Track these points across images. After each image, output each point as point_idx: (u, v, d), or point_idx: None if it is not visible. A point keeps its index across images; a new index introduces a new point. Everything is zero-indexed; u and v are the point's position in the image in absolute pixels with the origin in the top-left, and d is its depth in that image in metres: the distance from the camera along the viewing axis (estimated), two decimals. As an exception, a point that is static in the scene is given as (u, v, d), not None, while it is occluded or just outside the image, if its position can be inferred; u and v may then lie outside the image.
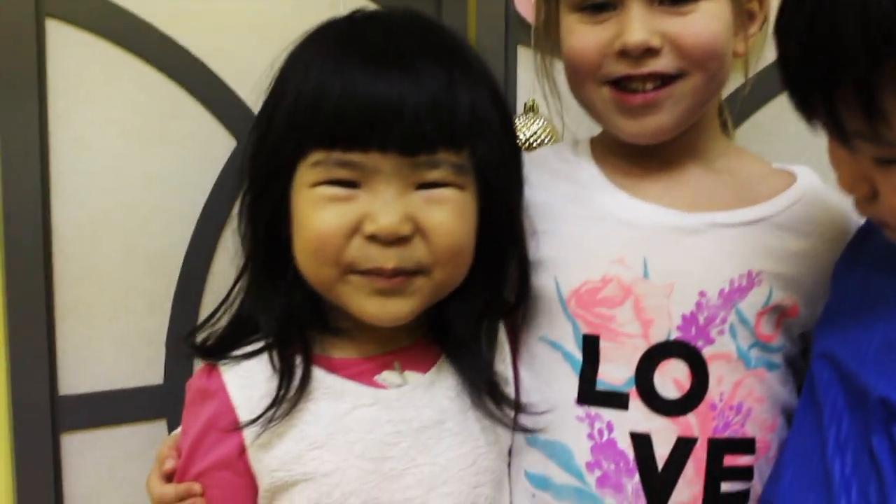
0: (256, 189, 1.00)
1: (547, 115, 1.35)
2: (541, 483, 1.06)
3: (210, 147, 1.28)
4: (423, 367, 1.04)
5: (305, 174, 0.95)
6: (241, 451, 0.97)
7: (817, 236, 1.07)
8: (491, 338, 1.06)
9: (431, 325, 1.04)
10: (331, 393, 0.99)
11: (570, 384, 1.05)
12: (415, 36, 0.98)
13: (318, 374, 0.99)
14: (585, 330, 1.04)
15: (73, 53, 1.19)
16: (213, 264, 1.30)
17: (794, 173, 1.11)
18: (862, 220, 1.03)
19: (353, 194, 0.94)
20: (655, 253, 1.04)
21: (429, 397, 1.02)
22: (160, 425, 1.29)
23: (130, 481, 1.28)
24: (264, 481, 0.97)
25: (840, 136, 0.83)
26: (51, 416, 1.21)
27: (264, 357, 0.99)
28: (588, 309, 1.04)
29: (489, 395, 1.03)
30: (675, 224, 1.05)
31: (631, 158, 1.09)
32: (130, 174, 1.24)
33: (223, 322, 1.05)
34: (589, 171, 1.11)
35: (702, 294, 1.03)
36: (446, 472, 1.01)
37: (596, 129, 1.15)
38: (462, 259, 0.99)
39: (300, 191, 0.96)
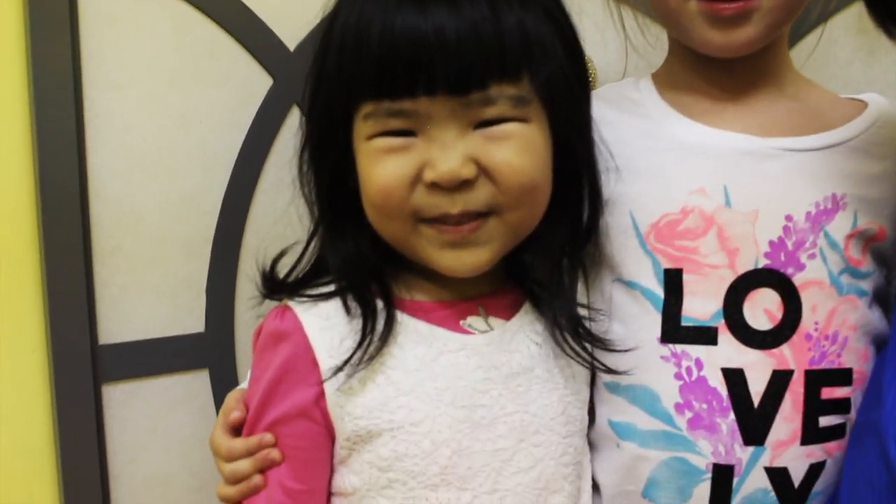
0: (316, 141, 0.99)
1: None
2: (625, 431, 1.04)
3: (247, 87, 1.26)
4: (507, 313, 1.02)
5: (361, 127, 0.94)
6: (320, 396, 0.94)
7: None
8: (573, 276, 1.04)
9: (510, 270, 1.02)
10: (416, 337, 0.97)
11: (652, 323, 1.03)
12: None
13: (402, 317, 0.97)
14: (666, 264, 1.03)
15: (103, -10, 1.16)
16: (252, 207, 1.29)
17: (863, 100, 1.09)
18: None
19: (410, 143, 0.92)
20: (736, 180, 1.02)
21: (516, 343, 1.00)
22: (202, 375, 1.29)
23: (173, 432, 1.28)
24: (345, 429, 0.95)
25: None
26: (91, 366, 1.19)
27: (339, 300, 0.97)
28: (668, 242, 1.03)
29: (573, 335, 1.01)
30: (753, 149, 1.03)
31: (699, 88, 1.08)
32: (166, 115, 1.22)
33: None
34: (657, 105, 1.09)
35: (788, 218, 1.01)
36: (537, 420, 0.99)
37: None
38: (537, 196, 0.96)
39: (359, 144, 0.95)
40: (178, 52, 1.21)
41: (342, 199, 0.99)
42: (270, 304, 1.26)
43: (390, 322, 0.95)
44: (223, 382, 1.28)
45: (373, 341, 0.93)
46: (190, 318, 1.26)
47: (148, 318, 1.24)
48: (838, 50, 1.18)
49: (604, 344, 1.02)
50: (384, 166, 0.92)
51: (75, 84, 1.15)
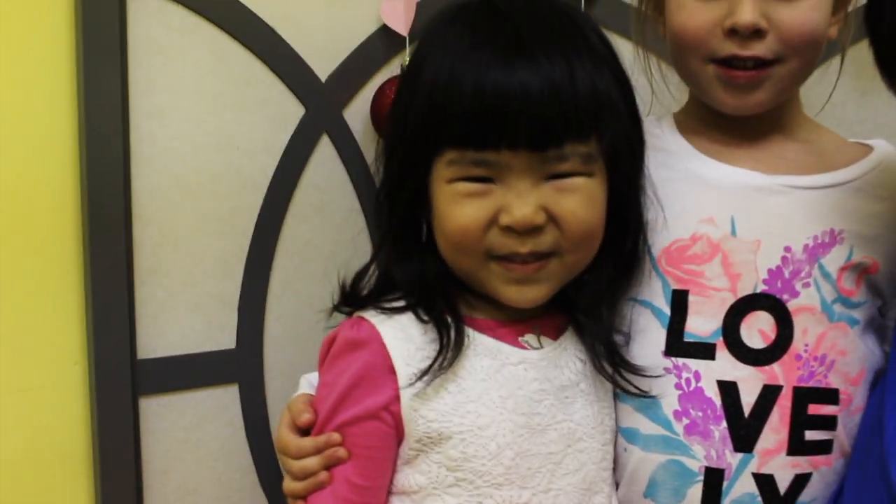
0: (395, 179, 1.07)
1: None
2: (630, 436, 1.13)
3: (281, 113, 1.34)
4: (554, 334, 1.11)
5: (442, 170, 1.03)
6: (393, 400, 1.02)
7: (895, 200, 1.14)
8: (612, 310, 1.13)
9: (555, 297, 1.10)
10: (482, 350, 1.06)
11: (658, 337, 1.12)
12: (541, 28, 1.02)
13: (469, 331, 1.06)
14: (675, 286, 1.12)
15: (152, 21, 1.25)
16: (284, 228, 1.36)
17: (869, 145, 1.19)
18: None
19: (489, 189, 1.01)
20: (742, 212, 1.11)
21: (564, 360, 1.10)
22: (232, 390, 1.36)
23: (203, 444, 1.35)
24: (417, 431, 1.02)
25: None
26: (131, 380, 1.25)
27: (412, 313, 1.06)
28: (677, 266, 1.12)
29: (609, 361, 1.10)
30: (760, 184, 1.12)
31: (717, 130, 1.17)
32: (205, 140, 1.30)
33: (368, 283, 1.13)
34: (676, 141, 1.18)
35: (787, 249, 1.10)
36: (581, 429, 1.09)
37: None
38: (593, 241, 1.06)
39: (438, 184, 1.04)
40: (218, 80, 1.29)
41: (413, 227, 1.08)
42: (298, 324, 1.35)
43: (461, 335, 1.05)
44: (252, 397, 1.35)
45: (448, 352, 1.03)
46: (222, 335, 1.33)
47: (183, 334, 1.31)
48: (834, 91, 1.27)
49: (634, 370, 1.11)
50: (464, 208, 1.01)
51: (123, 111, 1.22)
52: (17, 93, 1.18)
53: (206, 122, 1.28)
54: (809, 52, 1.10)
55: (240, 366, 1.34)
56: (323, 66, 1.35)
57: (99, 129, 1.20)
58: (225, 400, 1.34)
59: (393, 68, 1.38)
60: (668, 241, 1.13)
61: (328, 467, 1.04)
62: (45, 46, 1.19)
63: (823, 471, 1.10)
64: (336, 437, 1.03)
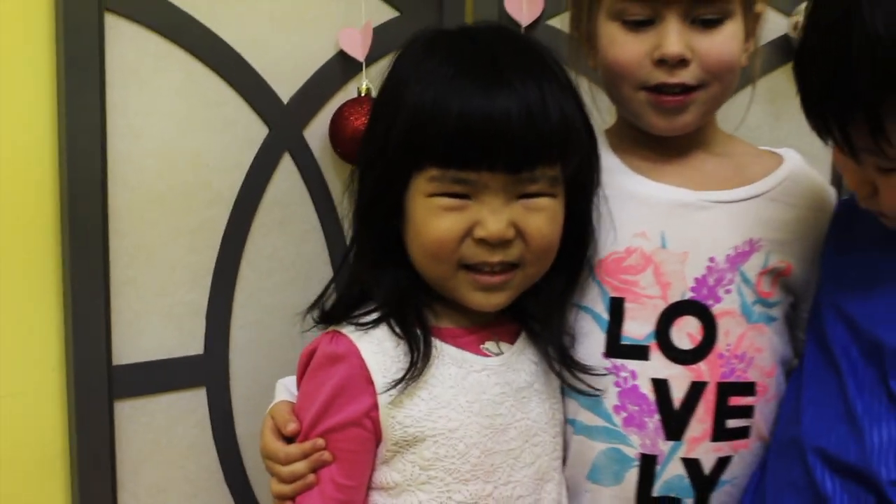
0: (372, 193, 1.17)
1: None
2: (576, 426, 1.26)
3: (246, 133, 1.44)
4: (510, 339, 1.23)
5: (422, 185, 1.12)
6: (372, 408, 1.12)
7: (804, 207, 1.29)
8: (562, 316, 1.25)
9: (510, 305, 1.21)
10: (449, 360, 1.16)
11: (599, 340, 1.25)
12: (514, 57, 1.14)
13: (437, 343, 1.17)
14: (612, 293, 1.25)
15: (128, 47, 1.34)
16: (248, 241, 1.46)
17: (780, 155, 1.33)
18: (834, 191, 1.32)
19: (465, 204, 1.12)
20: (671, 226, 1.24)
21: (520, 363, 1.22)
22: (200, 393, 1.45)
23: (174, 444, 1.44)
24: (394, 435, 1.13)
25: (851, 151, 1.05)
26: (107, 385, 1.34)
27: (385, 326, 1.15)
28: (614, 276, 1.25)
29: (561, 363, 1.23)
30: (687, 201, 1.25)
31: (646, 148, 1.29)
32: (177, 158, 1.39)
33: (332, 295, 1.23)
34: (609, 159, 1.29)
35: (711, 259, 1.24)
36: (536, 425, 1.21)
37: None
38: (551, 255, 1.18)
39: (417, 198, 1.13)
40: (189, 102, 1.39)
41: (387, 239, 1.18)
42: (262, 331, 1.43)
43: (430, 348, 1.15)
44: (218, 399, 1.45)
45: (419, 364, 1.13)
46: (191, 342, 1.43)
47: (155, 341, 1.40)
48: (749, 115, 1.39)
49: (583, 369, 1.23)
50: (442, 221, 1.11)
51: (101, 131, 1.30)
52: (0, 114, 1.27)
53: (178, 141, 1.37)
54: (728, 77, 1.23)
55: (207, 370, 1.44)
56: (285, 89, 1.45)
57: (78, 148, 1.29)
58: (193, 403, 1.43)
59: (350, 91, 1.48)
60: (606, 253, 1.25)
61: (314, 470, 1.14)
62: (27, 71, 1.27)
63: (742, 453, 1.24)
64: (321, 442, 1.13)
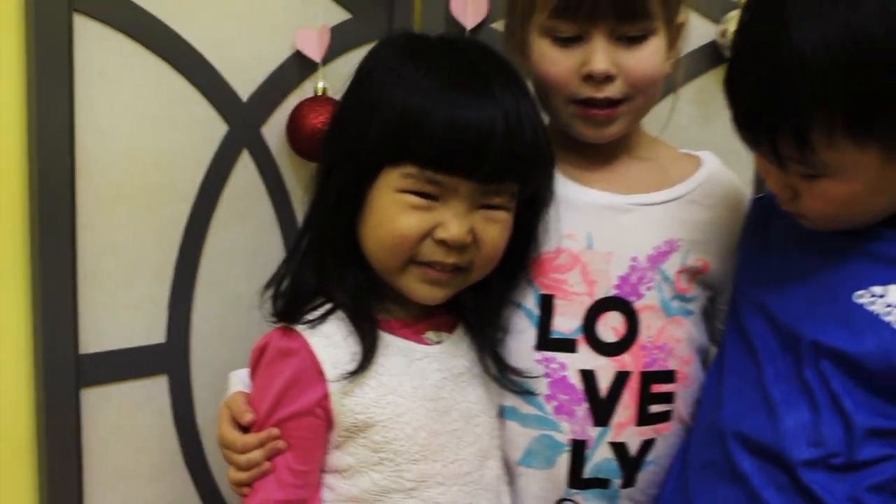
0: (342, 188, 1.22)
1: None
2: (511, 413, 1.35)
3: (207, 131, 1.49)
4: (448, 328, 1.32)
5: (394, 179, 1.18)
6: (323, 398, 1.20)
7: (720, 207, 1.40)
8: (497, 312, 1.33)
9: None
10: (395, 350, 1.25)
11: (530, 334, 1.34)
12: (494, 70, 1.21)
13: (383, 335, 1.25)
14: (543, 291, 1.34)
15: (96, 47, 1.38)
16: (209, 235, 1.51)
17: (699, 157, 1.43)
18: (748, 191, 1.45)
19: (432, 206, 1.19)
20: (598, 229, 1.34)
21: (458, 350, 1.31)
22: (161, 381, 1.51)
23: (138, 431, 1.49)
24: (346, 422, 1.21)
25: (778, 161, 1.15)
26: (75, 373, 1.39)
27: (335, 319, 1.23)
28: (545, 274, 1.34)
29: (493, 357, 1.32)
30: (612, 204, 1.35)
31: (576, 153, 1.38)
32: (142, 155, 1.44)
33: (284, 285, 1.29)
34: None
35: (634, 259, 1.34)
36: (476, 407, 1.30)
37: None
38: (495, 263, 1.26)
39: (384, 191, 1.19)
40: (153, 101, 1.43)
41: (345, 233, 1.24)
42: (222, 321, 1.49)
43: (376, 340, 1.23)
44: (179, 387, 1.51)
45: (368, 355, 1.21)
46: (154, 331, 1.48)
47: (120, 330, 1.45)
48: (680, 116, 1.48)
49: (518, 373, 1.31)
50: (408, 217, 1.18)
51: (70, 129, 1.35)
52: (-29, 112, 1.32)
53: (142, 138, 1.42)
54: (651, 90, 1.33)
55: (169, 359, 1.49)
56: (244, 87, 1.50)
57: (48, 146, 1.33)
58: (155, 390, 1.49)
59: (306, 90, 1.54)
60: (537, 253, 1.33)
61: (270, 458, 1.21)
62: (-3, 70, 1.32)
63: (665, 435, 1.35)
64: (276, 431, 1.20)
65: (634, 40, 1.28)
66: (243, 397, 1.26)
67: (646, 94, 1.32)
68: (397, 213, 1.18)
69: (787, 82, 1.09)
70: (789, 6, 1.09)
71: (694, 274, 1.36)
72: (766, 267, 1.30)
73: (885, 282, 1.17)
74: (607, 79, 1.27)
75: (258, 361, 1.24)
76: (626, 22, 1.26)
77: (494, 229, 1.22)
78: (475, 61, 1.21)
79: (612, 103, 1.29)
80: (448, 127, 1.14)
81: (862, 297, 1.17)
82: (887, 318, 1.15)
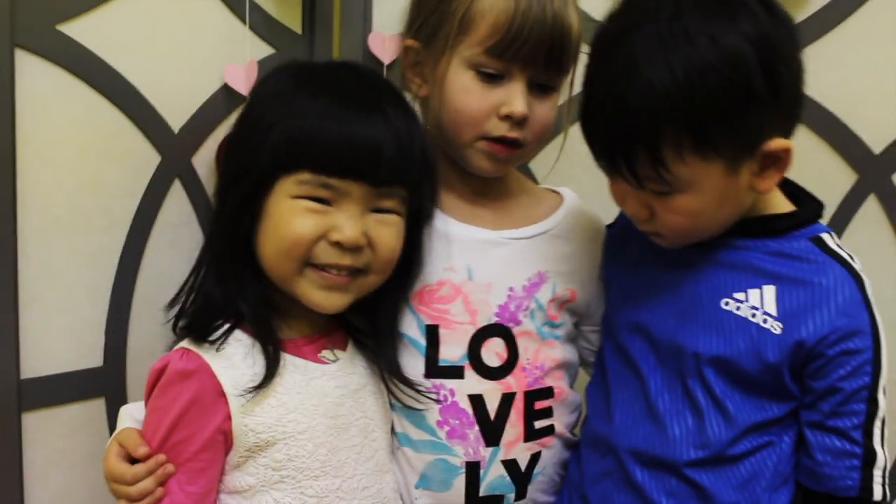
0: (239, 200, 1.26)
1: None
2: (403, 439, 1.42)
3: (141, 161, 1.57)
4: (342, 346, 1.38)
5: (289, 186, 1.24)
6: (225, 419, 1.22)
7: (582, 240, 1.50)
8: (390, 328, 1.39)
9: (338, 316, 1.36)
10: (293, 369, 1.29)
11: (418, 363, 1.41)
12: (380, 87, 1.31)
13: (283, 355, 1.28)
14: (427, 321, 1.41)
15: (36, 81, 1.44)
16: (143, 261, 1.58)
17: (560, 193, 1.55)
18: (605, 222, 1.54)
19: (326, 209, 1.24)
20: (476, 261, 1.42)
21: (353, 367, 1.38)
22: (99, 403, 1.56)
23: (76, 452, 1.55)
24: (247, 442, 1.23)
25: (636, 181, 1.26)
26: (17, 398, 1.42)
27: (233, 340, 1.26)
28: (428, 305, 1.42)
29: (389, 372, 1.37)
30: (488, 238, 1.44)
31: (453, 191, 1.45)
32: (80, 185, 1.51)
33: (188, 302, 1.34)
34: None
35: (511, 289, 1.43)
36: (373, 422, 1.37)
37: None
38: (391, 267, 1.32)
39: (280, 198, 1.24)
40: (90, 132, 1.50)
41: (244, 250, 1.29)
42: (156, 344, 1.53)
43: (278, 360, 1.26)
44: (116, 409, 1.52)
45: (269, 373, 1.24)
46: (92, 355, 1.54)
47: (59, 355, 1.51)
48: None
49: (410, 384, 1.37)
50: (303, 220, 1.23)
51: (11, 160, 1.40)
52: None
53: (80, 169, 1.49)
54: (545, 137, 1.43)
55: (106, 382, 1.55)
56: (176, 120, 1.58)
57: (-9, 179, 1.40)
58: (92, 412, 1.54)
59: (233, 122, 1.57)
60: (420, 285, 1.40)
61: (162, 483, 1.22)
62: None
63: (549, 447, 1.45)
64: (162, 457, 1.22)
65: (545, 90, 1.37)
66: (136, 433, 1.26)
67: (540, 141, 1.42)
68: (292, 217, 1.22)
69: (640, 108, 1.19)
70: (635, 48, 1.20)
71: (563, 302, 1.46)
72: (634, 288, 1.42)
73: (743, 287, 1.28)
74: (523, 122, 1.34)
75: (155, 383, 1.25)
76: (550, 72, 1.36)
77: (388, 231, 1.27)
78: (367, 83, 1.30)
79: (516, 144, 1.37)
80: (341, 136, 1.21)
81: (728, 305, 1.28)
82: (754, 320, 1.26)
